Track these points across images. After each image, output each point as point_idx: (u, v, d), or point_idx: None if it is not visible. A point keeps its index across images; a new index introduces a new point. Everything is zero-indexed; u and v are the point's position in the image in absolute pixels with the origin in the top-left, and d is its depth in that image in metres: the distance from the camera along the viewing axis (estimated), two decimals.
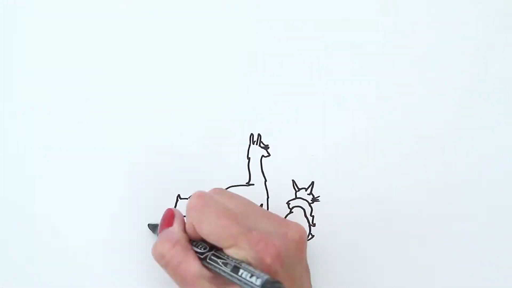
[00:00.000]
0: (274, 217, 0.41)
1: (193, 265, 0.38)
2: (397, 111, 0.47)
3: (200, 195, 0.39)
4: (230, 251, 0.37)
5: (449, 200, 0.47)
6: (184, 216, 0.41)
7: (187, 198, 0.46)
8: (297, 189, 0.46)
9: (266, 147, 0.46)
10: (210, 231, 0.38)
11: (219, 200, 0.39)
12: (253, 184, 0.46)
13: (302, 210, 0.46)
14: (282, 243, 0.37)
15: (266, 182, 0.46)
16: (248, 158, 0.46)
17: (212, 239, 0.38)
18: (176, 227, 0.41)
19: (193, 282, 0.38)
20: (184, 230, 0.41)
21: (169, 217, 0.41)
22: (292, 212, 0.46)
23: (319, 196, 0.46)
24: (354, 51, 0.47)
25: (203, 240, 0.39)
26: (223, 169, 0.46)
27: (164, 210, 0.43)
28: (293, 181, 0.46)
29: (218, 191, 0.41)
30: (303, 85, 0.47)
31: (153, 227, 0.45)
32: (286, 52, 0.47)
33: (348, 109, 0.47)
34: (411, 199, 0.47)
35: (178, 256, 0.39)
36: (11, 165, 0.45)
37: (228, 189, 0.46)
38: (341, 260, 0.46)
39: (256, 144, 0.46)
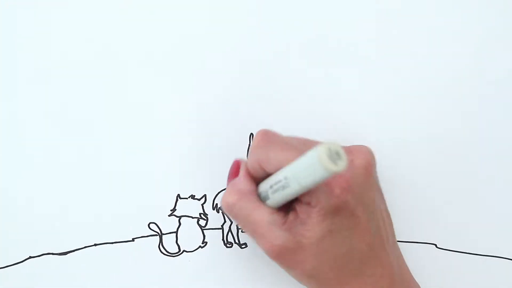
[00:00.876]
0: None
1: (262, 214, 0.38)
2: (397, 111, 0.47)
3: (264, 133, 0.39)
4: None
5: (448, 200, 0.47)
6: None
7: (187, 198, 0.46)
8: None
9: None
10: (277, 165, 0.37)
11: (281, 136, 0.39)
12: None
13: None
14: (350, 172, 0.37)
15: None
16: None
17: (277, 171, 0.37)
18: (242, 177, 0.40)
19: (265, 231, 0.38)
20: (251, 179, 0.40)
21: (236, 168, 0.41)
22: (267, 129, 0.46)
23: None
24: (354, 50, 0.47)
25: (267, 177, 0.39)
26: (223, 169, 0.46)
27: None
28: None
29: (274, 132, 0.41)
30: (303, 85, 0.47)
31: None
32: (286, 51, 0.47)
33: (348, 109, 0.47)
34: (411, 199, 0.47)
35: (246, 207, 0.38)
36: (11, 165, 0.45)
37: None
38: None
39: None
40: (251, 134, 0.47)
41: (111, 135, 0.46)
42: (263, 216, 0.38)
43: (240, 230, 0.46)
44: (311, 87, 0.47)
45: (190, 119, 0.46)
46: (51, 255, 0.45)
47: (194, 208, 0.46)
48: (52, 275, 0.45)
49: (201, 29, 0.47)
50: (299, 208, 0.38)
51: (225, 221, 0.46)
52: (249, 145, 0.46)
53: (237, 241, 0.46)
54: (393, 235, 0.42)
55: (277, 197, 0.37)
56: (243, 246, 0.46)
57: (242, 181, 0.40)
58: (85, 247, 0.45)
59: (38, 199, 0.45)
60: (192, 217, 0.46)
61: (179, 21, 0.47)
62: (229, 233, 0.46)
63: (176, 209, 0.46)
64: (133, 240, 0.45)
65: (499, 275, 0.46)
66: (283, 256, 0.38)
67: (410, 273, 0.42)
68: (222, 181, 0.46)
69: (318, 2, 0.47)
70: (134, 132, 0.46)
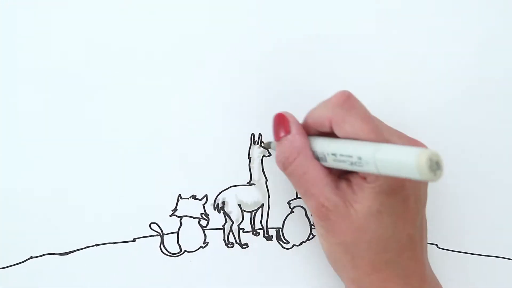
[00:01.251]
0: (403, 135, 0.40)
1: (318, 174, 0.38)
2: (397, 111, 0.47)
3: (348, 95, 0.38)
4: None
5: (449, 201, 0.47)
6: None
7: (188, 198, 0.46)
8: None
9: (267, 147, 0.46)
10: (350, 132, 0.37)
11: (362, 104, 0.39)
12: (253, 184, 0.46)
13: (303, 210, 0.46)
14: None
15: (267, 182, 0.46)
16: (249, 158, 0.46)
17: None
18: (296, 134, 0.40)
19: (318, 191, 0.38)
20: (305, 135, 0.40)
21: (285, 123, 0.40)
22: (293, 212, 0.46)
23: None
24: (353, 50, 0.47)
25: (322, 135, 0.39)
26: (224, 168, 0.46)
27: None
28: None
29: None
30: (303, 85, 0.47)
31: (268, 144, 0.45)
32: (286, 51, 0.47)
33: None
34: None
35: (303, 165, 0.38)
36: (12, 165, 0.45)
37: (232, 187, 0.46)
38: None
39: (257, 144, 0.46)
40: (252, 134, 0.47)
41: (112, 135, 0.46)
42: (319, 175, 0.38)
43: (241, 230, 0.46)
44: (311, 87, 0.47)
45: (190, 119, 0.46)
46: (52, 255, 0.45)
47: (195, 208, 0.46)
48: (53, 275, 0.45)
49: (201, 28, 0.47)
50: (354, 179, 0.38)
51: (226, 221, 0.46)
52: (250, 145, 0.46)
53: (238, 241, 0.46)
54: (427, 238, 0.42)
55: (336, 165, 0.37)
56: (244, 246, 0.46)
57: (298, 138, 0.39)
58: (86, 247, 0.45)
59: (39, 199, 0.45)
60: (193, 217, 0.46)
61: (179, 21, 0.47)
62: (230, 233, 0.46)
63: (177, 209, 0.46)
64: (134, 240, 0.45)
65: (499, 275, 0.47)
66: (328, 220, 0.38)
67: (437, 278, 0.42)
68: (222, 182, 0.46)
69: (318, 2, 0.47)
70: (135, 132, 0.46)
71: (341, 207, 0.37)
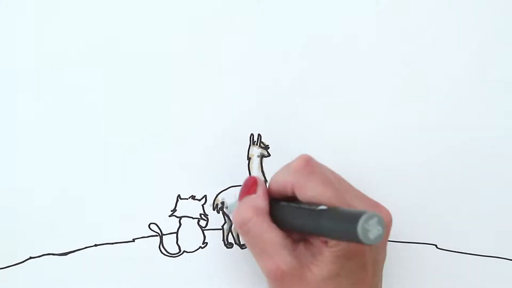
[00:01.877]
0: (365, 197, 0.40)
1: (275, 235, 0.38)
2: (396, 111, 0.47)
3: (308, 160, 0.39)
4: None
5: (448, 201, 0.47)
6: (266, 181, 0.41)
7: (187, 198, 0.46)
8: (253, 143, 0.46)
9: (266, 147, 0.46)
10: (311, 197, 0.37)
11: (323, 169, 0.39)
12: None
13: None
14: None
15: (267, 182, 0.46)
16: (248, 158, 0.46)
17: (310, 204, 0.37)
18: (260, 195, 0.40)
19: (274, 252, 0.37)
20: (267, 198, 0.40)
21: (252, 184, 0.40)
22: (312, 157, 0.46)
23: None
24: (353, 51, 0.47)
25: (286, 199, 0.39)
26: (223, 169, 0.46)
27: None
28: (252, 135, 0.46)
29: (316, 161, 0.40)
30: (303, 85, 0.47)
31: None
32: (286, 52, 0.47)
33: (348, 109, 0.47)
34: (411, 199, 0.47)
35: (261, 225, 0.38)
36: (11, 166, 0.45)
37: (232, 188, 0.46)
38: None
39: (256, 144, 0.46)
40: (251, 134, 0.47)
41: (111, 136, 0.46)
42: (276, 237, 0.38)
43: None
44: (311, 87, 0.47)
45: (190, 120, 0.46)
46: (51, 255, 0.45)
47: (194, 208, 0.46)
48: (52, 275, 0.45)
49: (201, 29, 0.47)
50: (314, 242, 0.38)
51: (225, 222, 0.46)
52: (249, 145, 0.46)
53: (237, 241, 0.46)
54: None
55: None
56: (244, 246, 0.46)
57: (260, 199, 0.40)
58: (86, 247, 0.45)
59: (39, 199, 0.45)
60: (193, 218, 0.46)
61: (179, 21, 0.47)
62: (230, 233, 0.46)
63: (176, 210, 0.46)
64: (133, 240, 0.45)
65: (499, 275, 0.46)
66: (284, 282, 0.37)
67: None
68: (222, 182, 0.46)
69: (318, 2, 0.47)
70: (134, 132, 0.46)
71: (297, 270, 0.37)
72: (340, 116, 0.47)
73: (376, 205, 0.39)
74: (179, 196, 0.46)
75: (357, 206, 0.38)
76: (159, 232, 0.45)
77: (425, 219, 0.47)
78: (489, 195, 0.47)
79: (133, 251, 0.45)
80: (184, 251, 0.46)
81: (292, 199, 0.39)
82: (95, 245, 0.45)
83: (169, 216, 0.46)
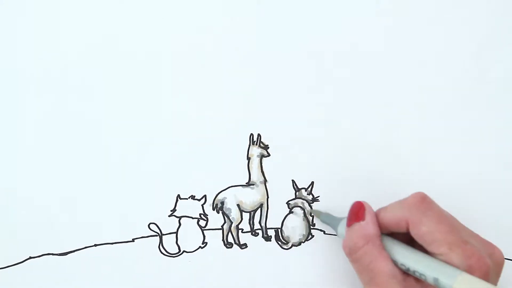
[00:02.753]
0: (478, 236, 0.40)
1: (386, 265, 0.38)
2: (396, 111, 0.47)
3: (424, 197, 0.39)
4: (441, 257, 0.37)
5: (449, 200, 0.47)
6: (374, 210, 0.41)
7: (187, 198, 0.46)
8: (297, 189, 0.46)
9: (266, 147, 0.46)
10: (427, 232, 0.37)
11: (438, 207, 0.39)
12: (252, 184, 0.46)
13: (302, 210, 0.46)
14: (491, 263, 0.37)
15: (266, 182, 0.46)
16: (248, 158, 0.46)
17: (424, 240, 0.38)
18: (369, 222, 0.40)
19: (384, 282, 0.38)
20: (377, 225, 0.40)
21: (360, 210, 0.40)
22: (292, 212, 0.46)
23: (319, 196, 0.46)
24: (353, 51, 0.47)
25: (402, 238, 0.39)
26: (223, 169, 0.46)
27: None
28: (293, 181, 0.46)
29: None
30: (303, 85, 0.47)
31: (317, 213, 0.45)
32: (286, 52, 0.47)
33: (348, 109, 0.47)
34: None
35: (371, 254, 0.38)
36: (11, 166, 0.45)
37: (231, 188, 0.46)
38: (341, 260, 0.46)
39: (256, 144, 0.46)
40: (251, 134, 0.47)
41: (111, 136, 0.46)
42: (386, 266, 0.38)
43: (240, 231, 0.46)
44: (312, 87, 0.47)
45: (190, 120, 0.46)
46: (51, 255, 0.45)
47: (194, 208, 0.46)
48: (52, 275, 0.45)
49: (201, 29, 0.47)
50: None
51: (225, 222, 0.46)
52: (249, 145, 0.46)
53: (237, 241, 0.46)
54: None
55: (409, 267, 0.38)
56: (243, 246, 0.46)
57: (370, 226, 0.39)
58: (85, 247, 0.45)
59: (38, 199, 0.45)
60: (192, 218, 0.46)
61: (179, 21, 0.47)
62: (229, 233, 0.46)
63: (176, 210, 0.46)
64: (133, 240, 0.45)
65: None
66: None
67: None
68: (222, 182, 0.46)
69: (319, 2, 0.47)
70: (134, 133, 0.46)
71: None
72: (340, 116, 0.47)
73: (488, 243, 0.39)
74: (179, 196, 0.46)
75: (474, 243, 0.38)
76: (159, 232, 0.45)
77: None
78: (489, 195, 0.47)
79: (132, 251, 0.45)
80: (183, 251, 0.46)
81: (397, 236, 0.39)
82: (95, 245, 0.45)
83: (169, 216, 0.46)
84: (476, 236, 0.40)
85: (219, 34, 0.47)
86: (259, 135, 0.47)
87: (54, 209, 0.45)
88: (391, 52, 0.47)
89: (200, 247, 0.46)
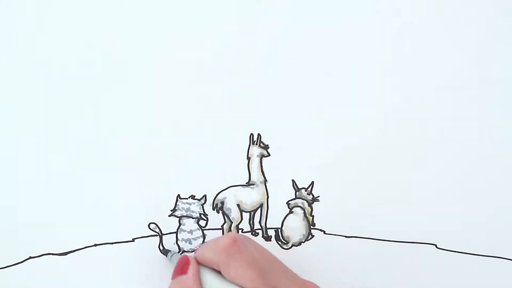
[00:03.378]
0: (293, 275, 0.40)
1: None
2: (396, 111, 0.47)
3: (235, 239, 0.39)
4: None
5: (448, 200, 0.47)
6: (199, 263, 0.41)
7: (187, 198, 0.46)
8: (297, 189, 0.46)
9: (266, 147, 0.46)
10: (235, 277, 0.38)
11: (250, 249, 0.40)
12: (252, 184, 0.46)
13: (302, 210, 0.46)
14: None
15: (266, 182, 0.46)
16: (248, 158, 0.46)
17: (236, 284, 0.38)
18: (190, 276, 0.40)
19: None
20: (198, 279, 0.40)
21: (184, 264, 0.41)
22: (292, 212, 0.46)
23: (319, 196, 0.46)
24: (353, 51, 0.47)
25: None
26: (223, 169, 0.46)
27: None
28: (293, 181, 0.46)
29: (246, 238, 0.41)
30: (303, 85, 0.47)
31: (165, 251, 0.45)
32: (286, 52, 0.47)
33: (348, 109, 0.47)
34: (411, 199, 0.47)
35: None
36: (11, 166, 0.45)
37: (231, 188, 0.46)
38: (341, 260, 0.46)
39: (256, 144, 0.46)
40: (251, 134, 0.47)
41: (111, 136, 0.46)
42: None
43: (240, 230, 0.46)
44: (312, 87, 0.47)
45: (190, 120, 0.46)
46: (51, 255, 0.45)
47: (194, 208, 0.46)
48: (52, 275, 0.45)
49: (201, 29, 0.47)
50: None
51: (225, 222, 0.46)
52: (249, 145, 0.46)
53: None
54: None
55: None
56: None
57: (190, 280, 0.40)
58: (85, 247, 0.45)
59: (38, 199, 0.45)
60: (192, 217, 0.46)
61: (179, 22, 0.47)
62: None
63: (176, 209, 0.46)
64: (133, 240, 0.45)
65: (499, 275, 0.46)
66: None
67: None
68: (222, 182, 0.46)
69: (319, 2, 0.47)
70: (134, 132, 0.46)
71: None
72: (341, 115, 0.47)
73: (302, 283, 0.40)
74: (178, 196, 0.46)
75: (282, 286, 0.38)
76: (159, 232, 0.45)
77: (425, 219, 0.47)
78: (489, 195, 0.47)
79: (133, 251, 0.45)
80: (184, 251, 0.46)
81: None
82: (95, 245, 0.45)
83: (169, 216, 0.46)
84: (288, 277, 0.40)
85: (219, 33, 0.47)
86: (259, 135, 0.47)
87: (54, 209, 0.45)
88: (391, 52, 0.47)
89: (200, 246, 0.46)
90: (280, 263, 0.41)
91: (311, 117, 0.47)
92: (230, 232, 0.40)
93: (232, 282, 0.38)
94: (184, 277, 0.40)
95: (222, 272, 0.39)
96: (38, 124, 0.46)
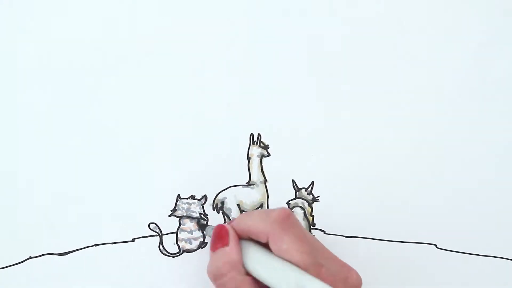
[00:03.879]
0: (337, 259, 0.40)
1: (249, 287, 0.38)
2: (396, 111, 0.47)
3: (289, 214, 0.39)
4: None
5: (448, 200, 0.47)
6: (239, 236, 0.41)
7: (187, 198, 0.46)
8: (297, 189, 0.46)
9: (266, 147, 0.46)
10: (286, 250, 0.37)
11: (300, 226, 0.39)
12: (253, 184, 0.46)
13: (302, 210, 0.46)
14: (344, 287, 0.38)
15: (266, 182, 0.46)
16: (248, 158, 0.46)
17: (283, 257, 0.38)
18: (233, 248, 0.40)
19: None
20: (239, 249, 0.40)
21: (224, 235, 0.40)
22: (292, 212, 0.46)
23: (319, 196, 0.46)
24: (353, 50, 0.47)
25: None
26: (223, 169, 0.46)
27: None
28: (293, 181, 0.46)
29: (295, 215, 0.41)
30: (303, 86, 0.47)
31: (202, 226, 0.45)
32: (286, 52, 0.47)
33: (348, 109, 0.47)
34: (411, 198, 0.47)
35: (236, 280, 0.38)
36: (11, 165, 0.45)
37: (231, 188, 0.46)
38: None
39: (256, 144, 0.46)
40: (251, 134, 0.47)
41: (111, 136, 0.46)
42: None
43: None
44: (312, 87, 0.47)
45: (190, 119, 0.46)
46: (51, 255, 0.45)
47: (194, 208, 0.46)
48: (52, 275, 0.45)
49: (201, 29, 0.47)
50: None
51: (225, 221, 0.46)
52: (249, 145, 0.46)
53: None
54: None
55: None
56: None
57: (234, 252, 0.39)
58: (85, 247, 0.45)
59: (38, 199, 0.45)
60: (193, 217, 0.46)
61: (179, 22, 0.47)
62: None
63: (176, 210, 0.46)
64: (133, 240, 0.45)
65: (499, 275, 0.46)
66: None
67: None
68: (222, 182, 0.46)
69: (319, 2, 0.47)
70: (134, 132, 0.46)
71: None
72: (340, 115, 0.47)
73: (345, 266, 0.39)
74: (178, 196, 0.46)
75: (330, 266, 0.38)
76: (159, 232, 0.45)
77: (425, 219, 0.47)
78: (489, 195, 0.47)
79: (133, 251, 0.45)
80: (184, 251, 0.46)
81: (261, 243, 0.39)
82: (95, 245, 0.45)
83: (169, 216, 0.46)
84: (334, 259, 0.39)
85: (219, 33, 0.47)
86: (259, 135, 0.47)
87: (54, 209, 0.45)
88: (391, 52, 0.47)
89: (200, 247, 0.46)
90: (324, 246, 0.40)
91: (311, 117, 0.47)
92: (282, 207, 0.39)
93: (277, 255, 0.38)
94: (226, 249, 0.39)
95: (271, 243, 0.38)
96: (38, 124, 0.46)
